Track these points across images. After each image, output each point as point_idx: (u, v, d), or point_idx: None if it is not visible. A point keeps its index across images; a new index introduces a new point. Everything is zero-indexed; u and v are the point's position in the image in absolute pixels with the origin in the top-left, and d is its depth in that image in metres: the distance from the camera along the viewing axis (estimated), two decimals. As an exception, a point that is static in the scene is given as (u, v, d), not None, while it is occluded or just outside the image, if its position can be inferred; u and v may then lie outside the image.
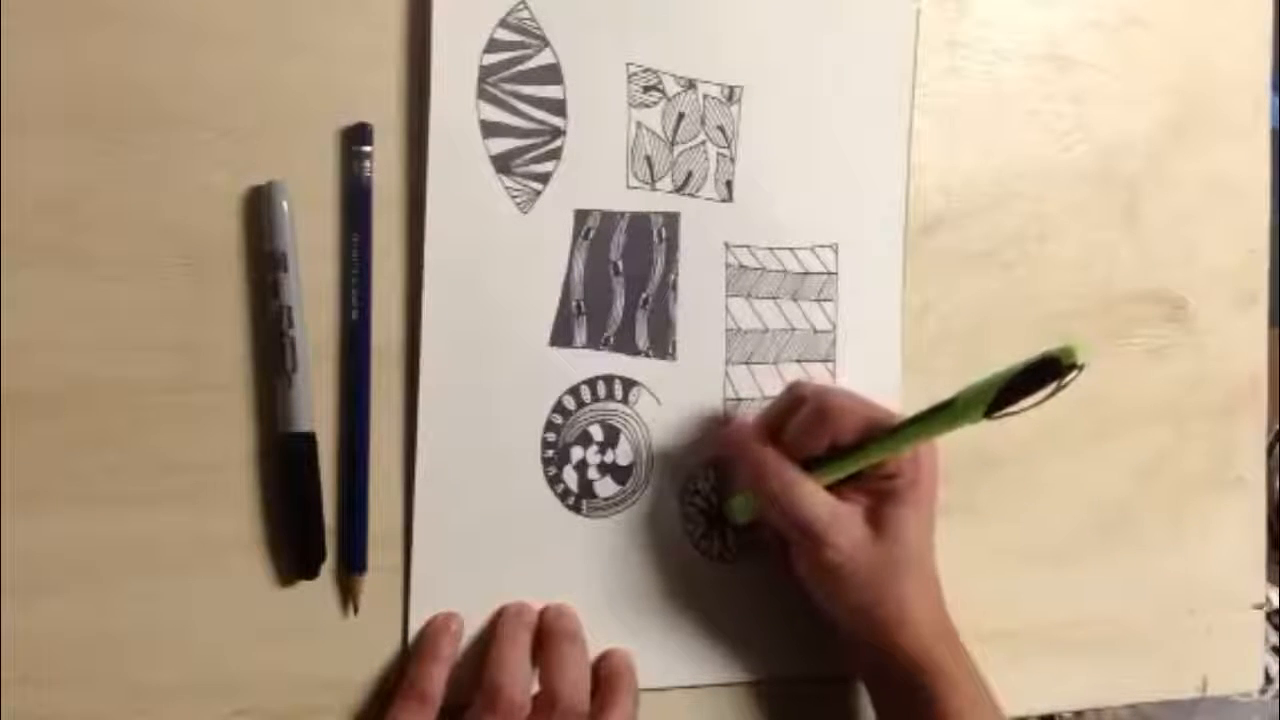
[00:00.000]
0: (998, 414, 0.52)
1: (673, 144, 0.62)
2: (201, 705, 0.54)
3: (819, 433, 0.58)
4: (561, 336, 0.60)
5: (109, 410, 0.52)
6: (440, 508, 0.57)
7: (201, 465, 0.54)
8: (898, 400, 0.67)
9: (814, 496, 0.58)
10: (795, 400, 0.60)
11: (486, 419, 0.58)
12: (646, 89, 0.61)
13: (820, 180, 0.65)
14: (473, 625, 0.58)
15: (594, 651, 0.59)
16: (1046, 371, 0.50)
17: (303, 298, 0.54)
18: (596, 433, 0.61)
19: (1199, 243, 0.75)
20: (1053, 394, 0.50)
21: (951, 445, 0.67)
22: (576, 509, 0.60)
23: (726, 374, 0.63)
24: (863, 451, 0.57)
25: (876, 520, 0.58)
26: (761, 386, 0.64)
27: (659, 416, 0.62)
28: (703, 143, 0.62)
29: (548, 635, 0.58)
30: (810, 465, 0.59)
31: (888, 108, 0.67)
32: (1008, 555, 0.70)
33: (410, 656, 0.56)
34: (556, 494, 0.60)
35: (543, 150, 0.59)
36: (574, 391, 0.60)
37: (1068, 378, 0.50)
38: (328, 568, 0.56)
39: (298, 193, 0.54)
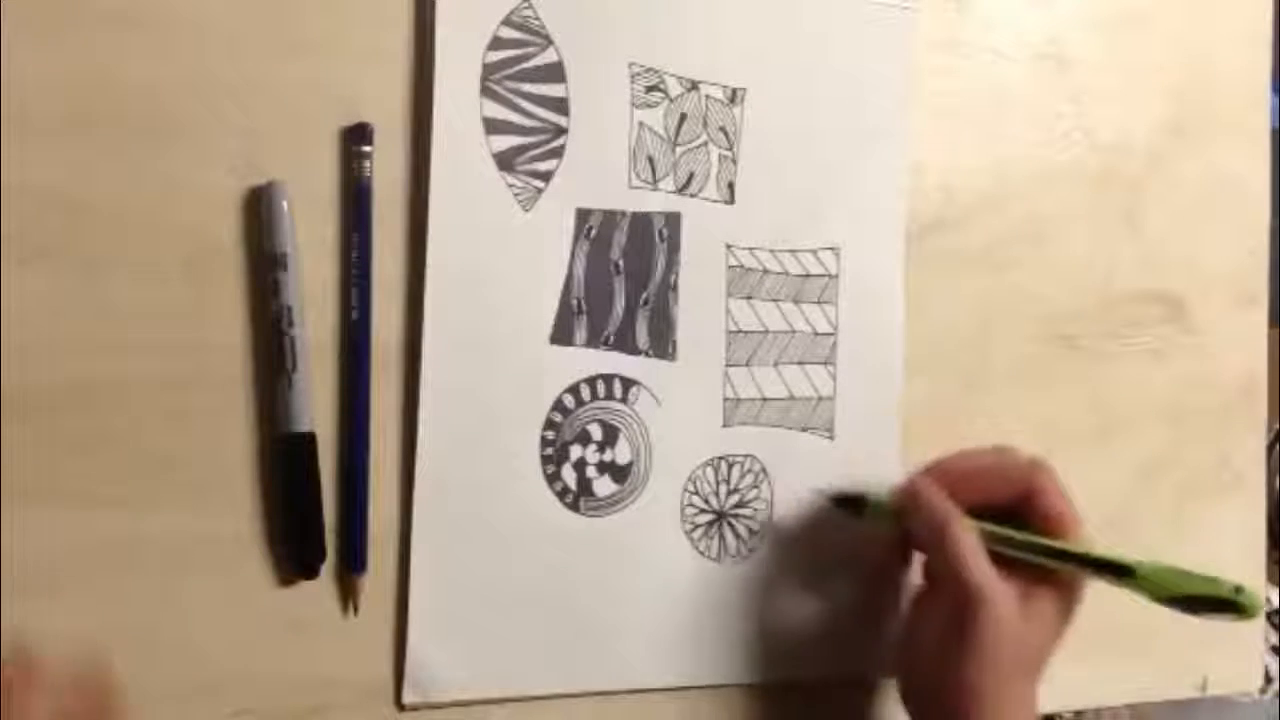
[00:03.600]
0: (1163, 603, 0.58)
1: (675, 144, 0.62)
2: (201, 705, 0.54)
3: (1011, 501, 0.61)
4: (562, 335, 0.60)
5: (109, 410, 0.52)
6: (440, 507, 0.57)
7: (201, 465, 0.53)
8: (899, 402, 0.67)
9: (983, 563, 0.59)
10: (1008, 458, 0.62)
11: (486, 417, 0.58)
12: (649, 89, 0.61)
13: (821, 182, 0.65)
14: (473, 623, 0.58)
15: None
16: (1226, 606, 0.57)
17: (303, 298, 0.54)
18: (595, 431, 0.61)
19: (1199, 243, 0.75)
20: (1214, 619, 0.58)
21: (950, 445, 0.67)
22: (575, 507, 0.60)
23: (726, 375, 0.63)
24: (1036, 544, 0.60)
25: (1026, 602, 0.59)
26: (761, 388, 0.64)
27: (658, 416, 0.62)
28: (705, 144, 0.62)
29: None
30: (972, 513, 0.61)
31: (888, 109, 0.67)
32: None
33: None
34: (555, 492, 0.60)
35: (545, 149, 0.59)
36: (573, 390, 0.60)
37: (1238, 618, 0.57)
38: (328, 568, 0.56)
39: (298, 193, 0.54)
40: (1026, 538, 0.60)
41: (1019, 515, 0.61)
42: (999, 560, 0.59)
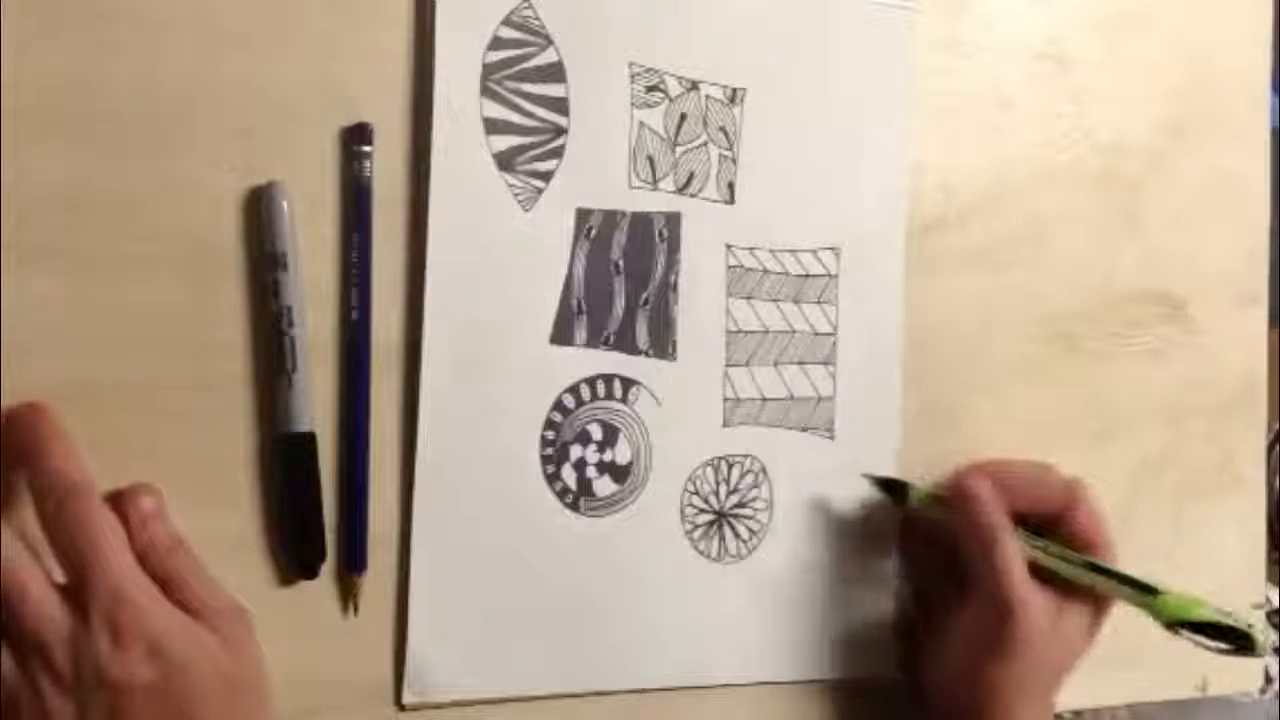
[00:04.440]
0: (1175, 630, 0.59)
1: (675, 144, 0.62)
2: (201, 705, 0.54)
3: (1048, 516, 0.63)
4: (562, 335, 0.60)
5: (109, 410, 0.52)
6: (440, 507, 0.57)
7: (201, 465, 0.53)
8: (899, 402, 0.67)
9: (1025, 575, 0.60)
10: (1049, 473, 0.64)
11: (486, 417, 0.58)
12: (649, 89, 0.61)
13: (822, 182, 0.65)
14: (473, 623, 0.58)
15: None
16: (1238, 638, 0.58)
17: (303, 298, 0.54)
18: (595, 431, 0.61)
19: (1199, 243, 0.75)
20: (1220, 652, 0.59)
21: (950, 445, 0.67)
22: (575, 507, 0.60)
23: (726, 375, 0.63)
24: (1071, 557, 0.62)
25: (1059, 615, 0.61)
26: (762, 388, 0.64)
27: (658, 416, 0.62)
28: (705, 144, 0.62)
29: None
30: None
31: (888, 108, 0.67)
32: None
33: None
34: (555, 492, 0.60)
35: (545, 149, 0.59)
36: (573, 390, 0.60)
37: (1242, 654, 0.59)
38: (328, 568, 0.56)
39: (298, 193, 0.54)
40: (1063, 550, 0.62)
41: (1050, 529, 0.63)
42: (1033, 571, 0.61)
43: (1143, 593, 0.60)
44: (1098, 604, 0.62)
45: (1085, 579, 0.61)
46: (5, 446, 0.49)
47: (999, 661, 0.60)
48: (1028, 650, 0.59)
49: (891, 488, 0.65)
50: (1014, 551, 0.60)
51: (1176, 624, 0.59)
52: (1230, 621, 0.58)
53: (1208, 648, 0.59)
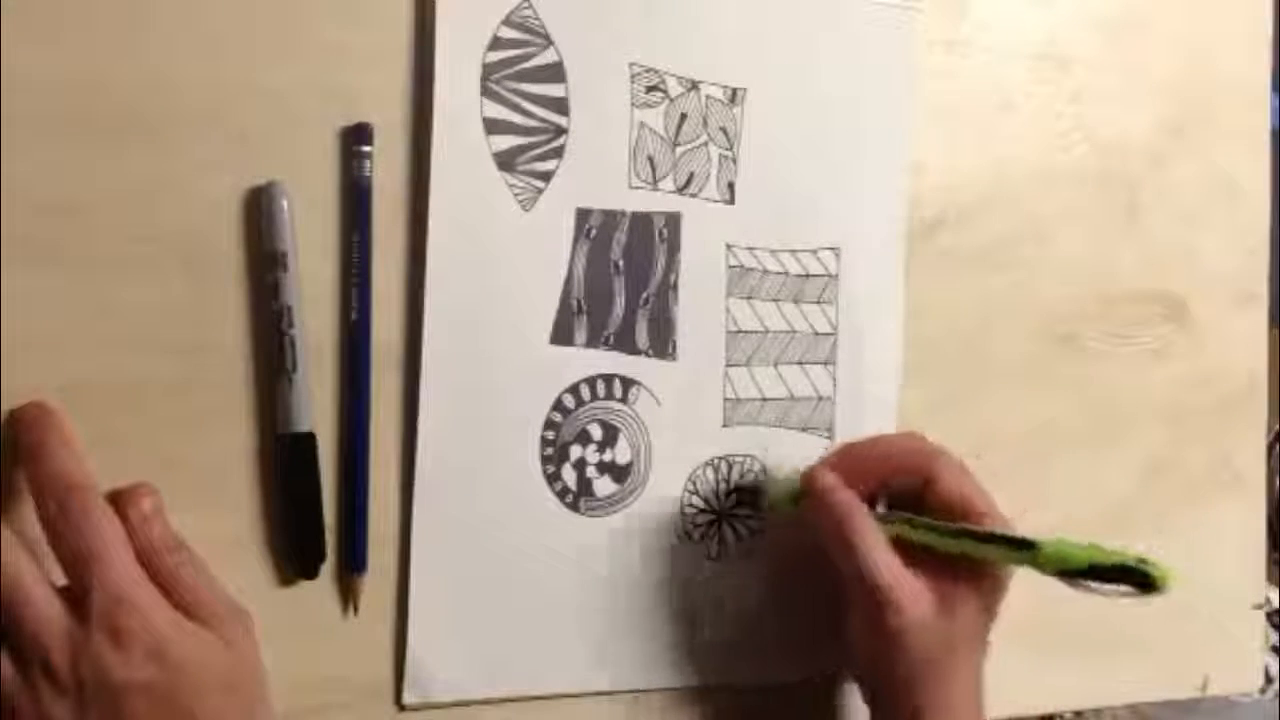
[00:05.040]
0: (1072, 582, 0.55)
1: (675, 144, 0.62)
2: (201, 705, 0.54)
3: (912, 487, 0.60)
4: (562, 335, 0.60)
5: (109, 410, 0.52)
6: (440, 507, 0.57)
7: (201, 465, 0.53)
8: (899, 402, 0.67)
9: (888, 560, 0.58)
10: (906, 443, 0.62)
11: (486, 417, 0.58)
12: (649, 89, 0.61)
13: (822, 182, 0.65)
14: (473, 623, 0.58)
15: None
16: (1134, 577, 0.54)
17: (303, 298, 0.54)
18: (595, 431, 0.61)
19: (1199, 243, 0.75)
20: (1122, 597, 0.54)
21: (950, 445, 0.67)
22: (574, 507, 0.60)
23: (726, 375, 0.63)
24: (935, 526, 0.59)
25: (941, 596, 0.58)
26: (762, 388, 0.64)
27: (658, 416, 0.62)
28: (705, 144, 0.62)
29: None
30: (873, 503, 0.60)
31: (888, 109, 0.67)
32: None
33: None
34: (555, 492, 0.60)
35: (545, 148, 0.59)
36: (574, 390, 0.60)
37: (1145, 595, 0.54)
38: (328, 568, 0.56)
39: (298, 193, 0.54)
40: (926, 520, 0.59)
41: (922, 503, 0.60)
42: (908, 550, 0.59)
43: (1020, 549, 0.56)
44: (986, 574, 0.59)
45: (959, 547, 0.58)
46: (7, 446, 0.49)
47: (893, 653, 0.57)
48: (917, 638, 0.57)
49: (748, 493, 0.64)
50: (868, 529, 0.58)
51: (1067, 574, 0.55)
52: (1123, 560, 0.54)
53: (1108, 594, 0.55)
